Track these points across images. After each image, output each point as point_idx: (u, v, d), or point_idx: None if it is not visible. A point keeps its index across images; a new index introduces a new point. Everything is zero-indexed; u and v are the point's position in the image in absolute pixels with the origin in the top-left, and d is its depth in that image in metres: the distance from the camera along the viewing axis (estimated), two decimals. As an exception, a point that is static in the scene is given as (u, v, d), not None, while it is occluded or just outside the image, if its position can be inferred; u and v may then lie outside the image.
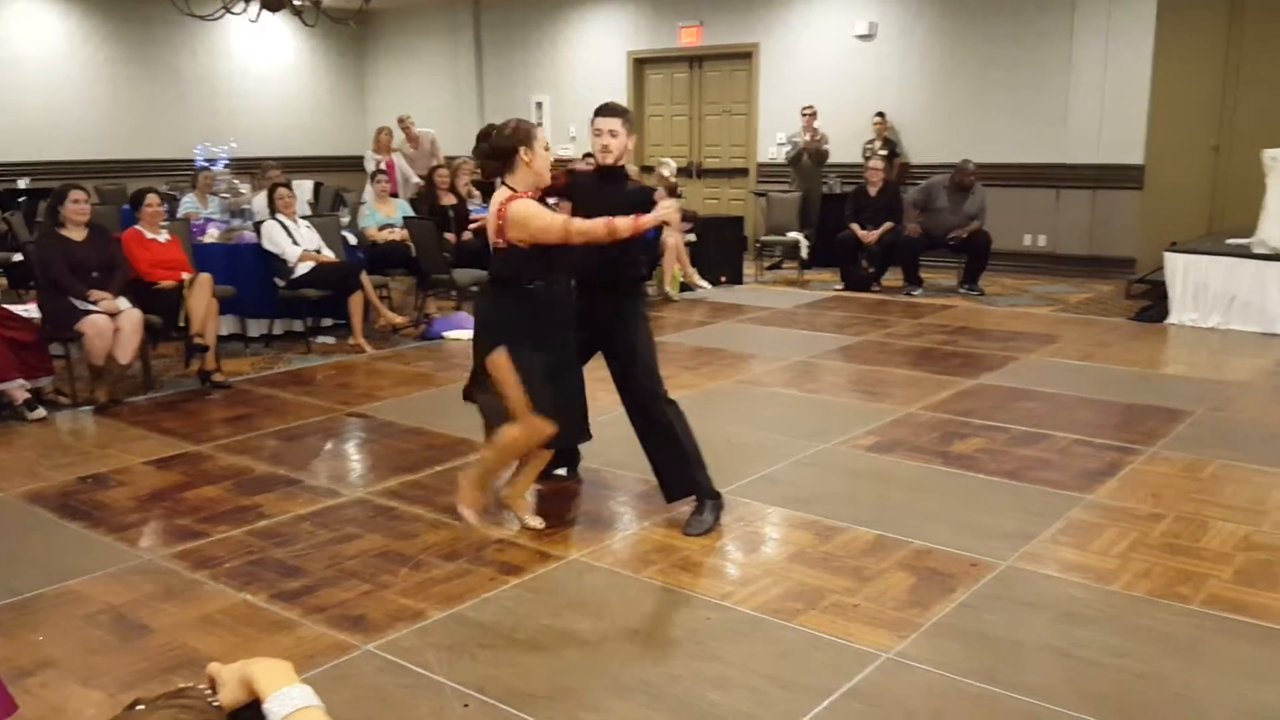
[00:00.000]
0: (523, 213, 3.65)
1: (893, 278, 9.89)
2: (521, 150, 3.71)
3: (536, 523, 3.97)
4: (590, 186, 4.13)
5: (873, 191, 9.74)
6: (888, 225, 9.54)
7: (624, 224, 3.64)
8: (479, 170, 7.19)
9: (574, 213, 3.83)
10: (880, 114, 10.96)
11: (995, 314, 8.52)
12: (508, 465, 4.04)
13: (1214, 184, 9.67)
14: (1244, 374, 6.39)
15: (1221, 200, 9.62)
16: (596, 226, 3.64)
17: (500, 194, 3.73)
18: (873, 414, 5.51)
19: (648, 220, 3.68)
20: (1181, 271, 7.86)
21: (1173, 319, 7.88)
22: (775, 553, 3.81)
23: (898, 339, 7.57)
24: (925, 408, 5.63)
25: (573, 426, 3.94)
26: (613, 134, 3.95)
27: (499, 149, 3.75)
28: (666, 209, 3.78)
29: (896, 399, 5.82)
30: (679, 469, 4.03)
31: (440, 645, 3.07)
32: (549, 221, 3.67)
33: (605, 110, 4.00)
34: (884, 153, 10.63)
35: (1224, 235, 8.62)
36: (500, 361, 3.74)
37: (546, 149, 3.78)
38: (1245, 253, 7.70)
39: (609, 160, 3.98)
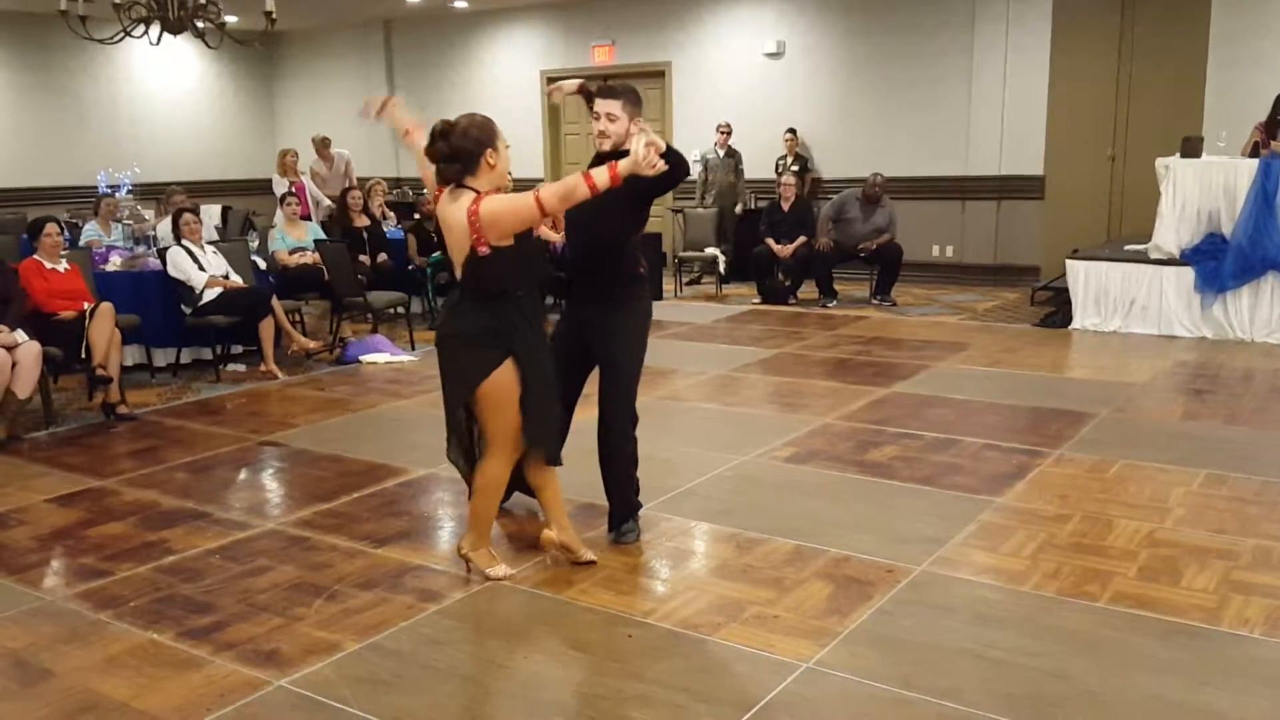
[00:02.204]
0: (496, 208, 3.32)
1: (808, 290, 10.04)
2: (486, 153, 3.38)
3: (590, 556, 3.78)
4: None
5: (786, 207, 9.90)
6: (801, 239, 9.70)
7: (600, 175, 3.29)
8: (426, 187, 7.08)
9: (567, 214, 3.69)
10: (791, 130, 11.14)
11: (907, 324, 8.71)
12: (495, 506, 3.75)
13: (1111, 193, 10.03)
14: (1144, 375, 6.62)
15: (1119, 208, 9.99)
16: (570, 183, 3.33)
17: (463, 199, 3.37)
18: (790, 425, 5.57)
19: (625, 165, 3.26)
20: (1083, 278, 8.13)
21: (1076, 324, 8.14)
22: (696, 567, 3.82)
23: (814, 350, 7.68)
24: (841, 417, 5.71)
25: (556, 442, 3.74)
26: (610, 118, 3.68)
27: (460, 151, 3.37)
28: (646, 146, 3.25)
29: (813, 410, 5.90)
30: (625, 499, 4.00)
31: (357, 678, 3.01)
32: (521, 202, 3.34)
33: (604, 92, 3.72)
34: (795, 168, 10.82)
35: (1122, 242, 8.94)
36: (503, 381, 3.45)
37: (507, 146, 3.47)
38: (1142, 258, 8.00)
39: (606, 147, 3.71)
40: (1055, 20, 9.95)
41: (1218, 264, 7.60)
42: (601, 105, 3.70)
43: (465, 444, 3.67)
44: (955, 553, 3.82)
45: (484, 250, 3.37)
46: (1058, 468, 4.78)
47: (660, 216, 12.42)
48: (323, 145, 11.38)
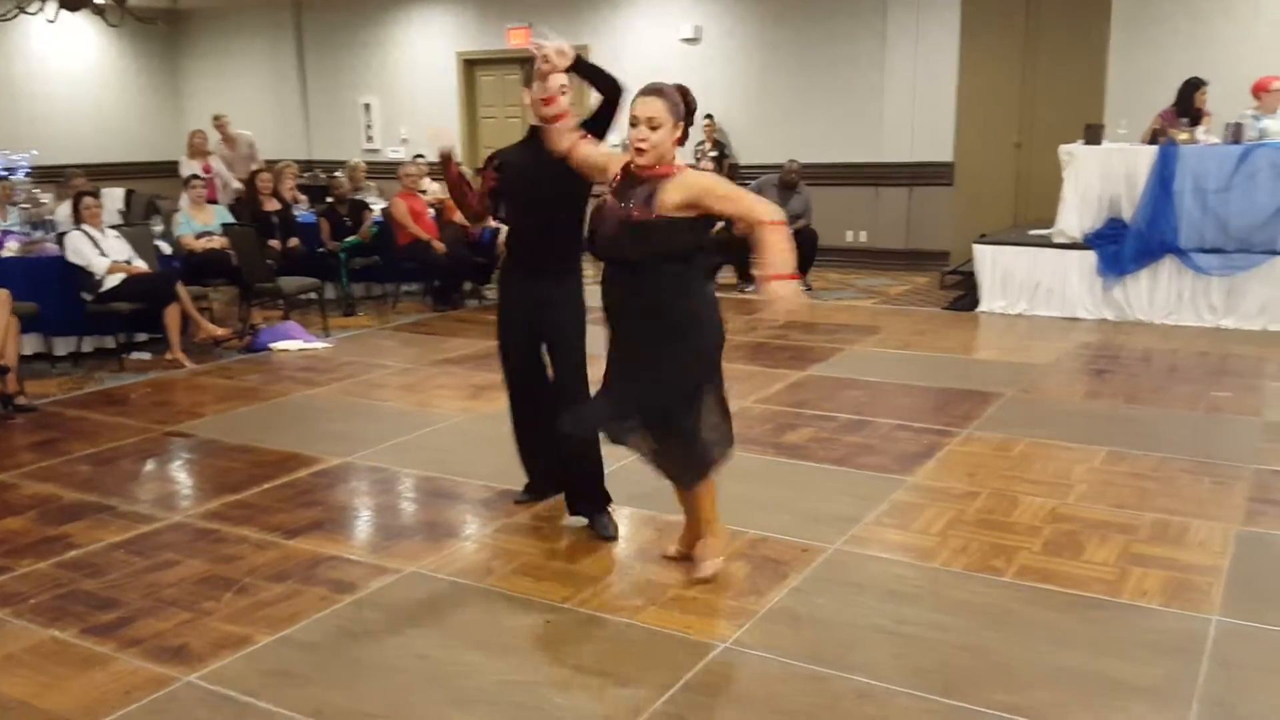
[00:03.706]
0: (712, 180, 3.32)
1: (727, 275, 10.10)
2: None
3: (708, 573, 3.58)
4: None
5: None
6: (720, 224, 9.74)
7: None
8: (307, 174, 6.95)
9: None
10: (709, 116, 11.17)
11: (822, 308, 8.83)
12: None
13: (1017, 179, 10.31)
14: (1048, 356, 6.83)
15: (1025, 194, 10.27)
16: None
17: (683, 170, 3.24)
18: (709, 409, 5.60)
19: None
20: (990, 262, 8.34)
21: (983, 307, 8.35)
22: (616, 551, 3.83)
23: (732, 335, 7.65)
24: (759, 400, 5.78)
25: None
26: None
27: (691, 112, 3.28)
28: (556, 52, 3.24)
29: (732, 393, 5.88)
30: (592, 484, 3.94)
31: (269, 671, 2.95)
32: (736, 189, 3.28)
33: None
34: (714, 154, 10.86)
35: (1028, 227, 9.19)
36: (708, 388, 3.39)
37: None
38: (1047, 242, 8.23)
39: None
40: (964, 9, 10.16)
41: (1118, 248, 7.86)
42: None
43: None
44: (868, 531, 3.90)
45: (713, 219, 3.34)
46: (966, 447, 4.91)
47: (579, 201, 12.40)
48: (223, 126, 11.04)
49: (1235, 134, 7.72)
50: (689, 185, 3.21)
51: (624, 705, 2.76)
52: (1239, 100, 8.10)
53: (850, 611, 3.28)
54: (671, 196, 3.18)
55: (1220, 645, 3.03)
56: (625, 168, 3.32)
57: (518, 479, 4.25)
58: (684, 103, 3.27)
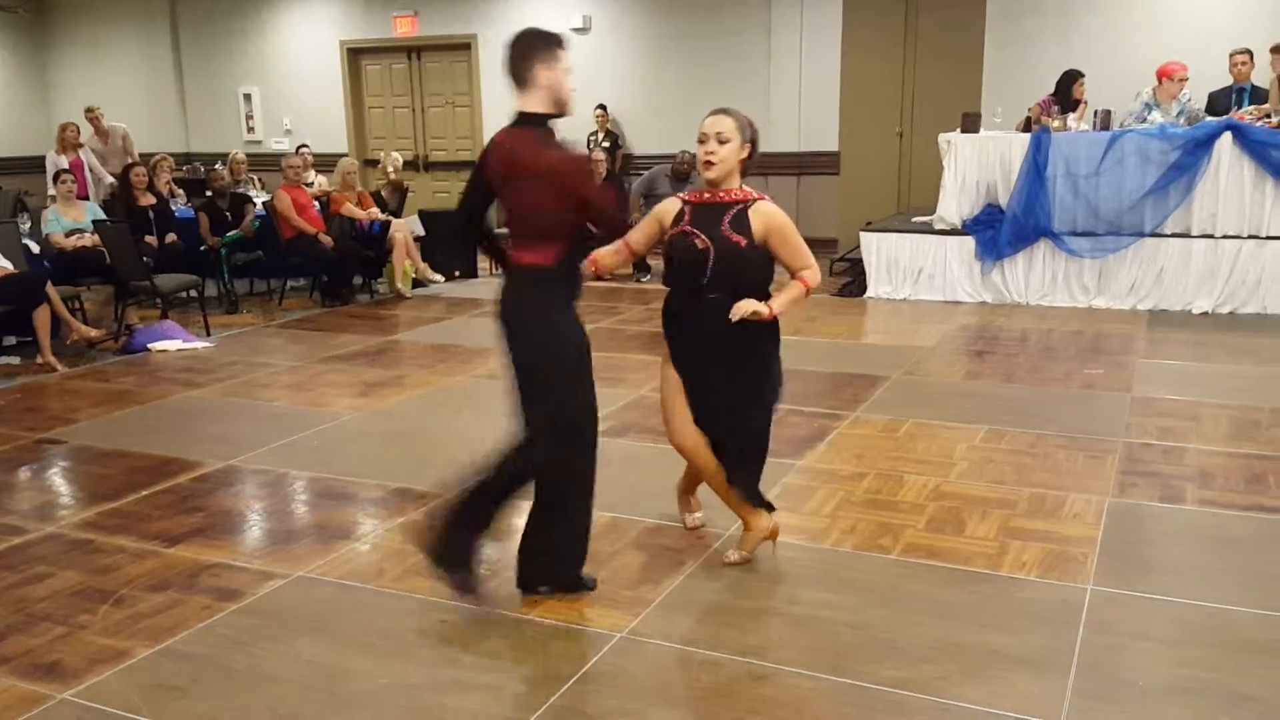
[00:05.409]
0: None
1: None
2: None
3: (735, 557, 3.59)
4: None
5: (599, 183, 9.92)
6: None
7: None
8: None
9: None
10: (601, 106, 11.17)
11: (717, 296, 8.90)
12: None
13: (900, 167, 10.58)
14: (931, 339, 7.03)
15: (907, 182, 10.54)
16: None
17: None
18: (606, 399, 5.51)
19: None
20: (876, 249, 8.54)
21: (870, 293, 8.55)
22: (511, 547, 3.79)
23: (629, 325, 7.77)
24: (655, 389, 5.77)
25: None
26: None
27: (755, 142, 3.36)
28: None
29: (629, 383, 5.97)
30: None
31: (148, 685, 2.84)
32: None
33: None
34: (606, 145, 10.86)
35: (910, 214, 9.44)
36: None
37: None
38: (928, 229, 8.47)
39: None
40: (845, 3, 10.37)
41: (995, 233, 8.13)
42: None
43: None
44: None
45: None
46: (854, 429, 5.02)
47: (470, 193, 12.25)
48: (95, 119, 10.56)
49: (1104, 121, 8.06)
50: (769, 217, 3.30)
51: (519, 702, 2.75)
52: (1108, 89, 8.47)
53: (745, 596, 3.32)
54: (756, 225, 3.27)
55: (1095, 613, 3.17)
56: (691, 200, 3.37)
57: (412, 477, 4.18)
58: (751, 128, 3.33)
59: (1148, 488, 4.20)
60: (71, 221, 7.79)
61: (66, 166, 9.09)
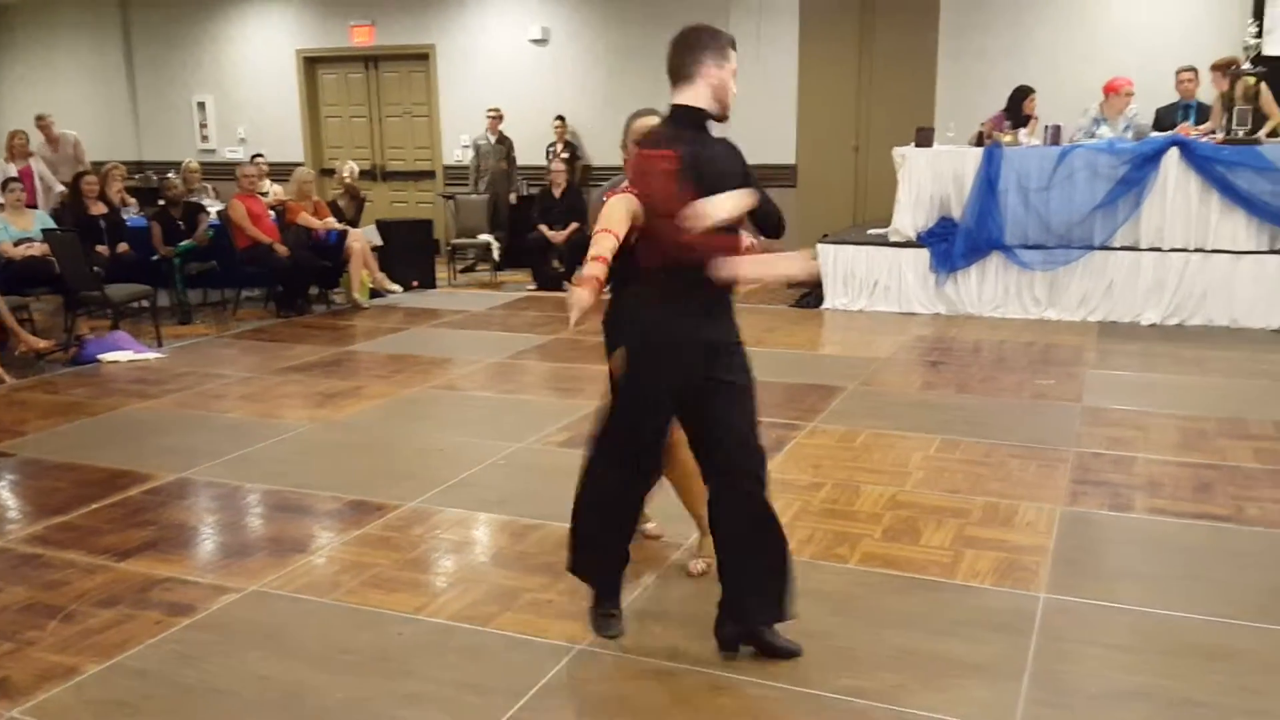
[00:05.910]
0: None
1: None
2: None
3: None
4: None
5: (557, 193, 9.93)
6: (574, 225, 9.76)
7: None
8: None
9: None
10: (560, 117, 11.19)
11: (676, 307, 8.93)
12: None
13: (856, 180, 10.69)
14: (887, 350, 7.11)
15: (863, 195, 10.66)
16: None
17: None
18: (566, 410, 5.61)
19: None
20: (832, 261, 8.62)
21: (827, 304, 8.62)
22: (470, 558, 3.78)
23: (589, 336, 7.69)
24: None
25: None
26: None
27: None
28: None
29: (589, 394, 5.95)
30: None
31: (98, 702, 2.79)
32: None
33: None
34: (565, 155, 10.86)
35: (866, 226, 9.54)
36: None
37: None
38: (883, 241, 8.57)
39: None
40: (802, 16, 10.48)
41: (949, 245, 8.24)
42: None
43: None
44: (719, 527, 3.96)
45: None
46: (811, 439, 5.06)
47: (430, 203, 12.20)
48: (46, 126, 10.38)
49: (1054, 136, 8.21)
50: None
51: (477, 716, 2.73)
52: (1059, 105, 8.63)
53: (703, 604, 3.30)
54: None
55: (1048, 620, 3.21)
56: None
57: (369, 489, 4.15)
58: None
59: (1098, 496, 4.27)
60: (20, 230, 7.64)
61: (15, 175, 8.93)
